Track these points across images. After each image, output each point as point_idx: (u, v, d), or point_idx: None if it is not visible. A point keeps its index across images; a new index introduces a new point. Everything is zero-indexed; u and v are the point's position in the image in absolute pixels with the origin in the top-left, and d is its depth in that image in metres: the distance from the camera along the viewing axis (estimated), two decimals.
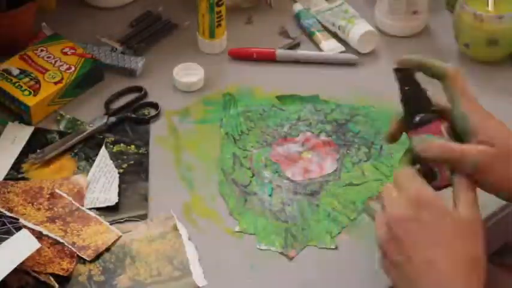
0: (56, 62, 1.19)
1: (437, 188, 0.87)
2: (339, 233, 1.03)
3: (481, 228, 0.83)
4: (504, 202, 1.01)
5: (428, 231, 0.82)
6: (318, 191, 1.07)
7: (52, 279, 0.96)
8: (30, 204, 1.04)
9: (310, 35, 1.30)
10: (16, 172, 1.09)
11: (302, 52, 1.27)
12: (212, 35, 1.25)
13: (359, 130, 1.15)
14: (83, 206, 1.05)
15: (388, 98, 1.19)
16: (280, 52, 1.26)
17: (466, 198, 0.84)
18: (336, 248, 1.01)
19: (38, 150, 1.11)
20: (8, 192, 1.05)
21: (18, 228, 0.98)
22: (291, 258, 1.00)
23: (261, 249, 1.01)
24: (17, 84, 1.16)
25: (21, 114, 1.16)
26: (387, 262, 0.84)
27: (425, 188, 0.84)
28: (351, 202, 1.06)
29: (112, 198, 1.06)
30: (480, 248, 0.82)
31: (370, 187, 1.08)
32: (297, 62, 1.26)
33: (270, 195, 1.07)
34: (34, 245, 0.95)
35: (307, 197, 1.07)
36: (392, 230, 0.83)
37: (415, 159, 0.90)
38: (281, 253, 1.00)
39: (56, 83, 1.17)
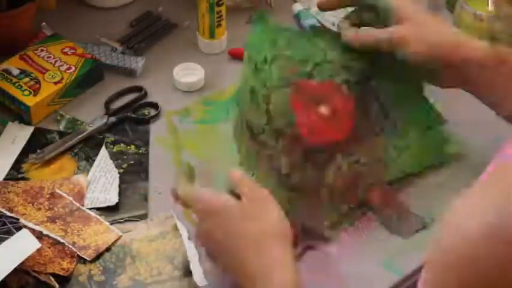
0: (56, 62, 1.19)
1: None
2: (340, 223, 1.02)
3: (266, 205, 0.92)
4: None
5: (224, 229, 0.91)
6: (326, 162, 1.01)
7: (52, 279, 0.96)
8: (31, 204, 1.04)
9: None
10: (16, 172, 1.09)
11: None
12: (212, 35, 1.25)
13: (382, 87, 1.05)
14: (83, 206, 1.05)
15: None
16: None
17: (245, 187, 0.93)
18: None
19: (38, 150, 1.11)
20: (9, 192, 1.05)
21: (19, 228, 0.98)
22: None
23: None
24: (17, 84, 1.16)
25: (21, 114, 1.16)
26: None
27: (205, 196, 0.93)
28: (353, 185, 1.02)
29: (112, 198, 1.06)
30: (268, 223, 0.90)
31: (375, 171, 1.04)
32: None
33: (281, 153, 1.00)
34: (34, 244, 0.95)
35: (314, 166, 1.01)
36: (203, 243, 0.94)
37: None
38: None
39: (56, 83, 1.17)
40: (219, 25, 1.25)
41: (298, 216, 1.00)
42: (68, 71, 1.18)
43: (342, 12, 1.30)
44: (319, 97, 1.02)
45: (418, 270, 0.99)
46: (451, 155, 1.10)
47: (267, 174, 1.03)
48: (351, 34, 1.04)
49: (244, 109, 1.05)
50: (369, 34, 1.04)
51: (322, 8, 1.11)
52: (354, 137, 1.02)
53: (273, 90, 1.02)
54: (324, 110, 1.01)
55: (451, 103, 1.12)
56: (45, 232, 1.00)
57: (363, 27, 1.05)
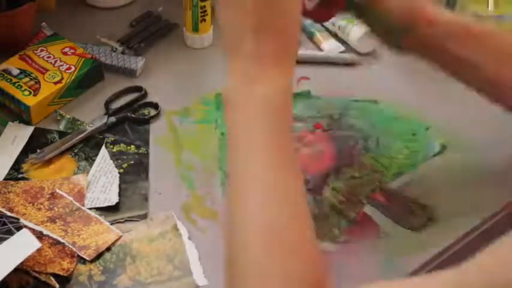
0: (56, 62, 1.19)
1: None
2: (347, 225, 1.03)
3: None
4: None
5: None
6: (321, 186, 1.07)
7: (52, 279, 0.96)
8: (31, 204, 1.04)
9: (310, 36, 1.30)
10: (16, 172, 1.09)
11: (300, 52, 1.27)
12: (196, 30, 1.26)
13: (354, 123, 1.15)
14: (83, 205, 1.05)
15: (388, 98, 1.19)
16: None
17: None
18: (345, 241, 1.01)
19: (38, 150, 1.11)
20: (9, 192, 1.05)
21: (19, 228, 0.98)
22: None
23: None
24: (17, 84, 1.16)
25: (21, 114, 1.16)
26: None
27: None
28: (354, 195, 1.06)
29: (112, 198, 1.06)
30: None
31: (371, 179, 1.08)
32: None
33: None
34: (34, 244, 0.95)
35: (311, 193, 1.06)
36: None
37: None
38: None
39: (56, 83, 1.17)
40: (203, 20, 1.25)
41: None
42: (68, 71, 1.18)
43: (341, 14, 1.30)
44: (298, 144, 1.12)
45: (418, 270, 0.99)
46: (441, 145, 1.13)
47: None
48: None
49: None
50: None
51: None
52: (340, 163, 1.10)
53: None
54: (305, 150, 1.11)
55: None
56: (45, 232, 1.00)
57: None
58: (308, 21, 1.31)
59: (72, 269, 0.98)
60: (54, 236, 1.00)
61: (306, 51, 1.27)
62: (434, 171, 1.10)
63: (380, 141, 1.13)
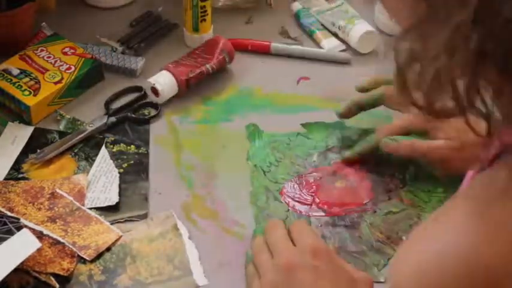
0: (56, 62, 1.19)
1: None
2: (386, 264, 0.99)
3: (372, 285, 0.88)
4: None
5: (326, 280, 0.85)
6: (358, 222, 1.03)
7: (53, 279, 0.96)
8: (31, 204, 1.04)
9: (310, 34, 1.30)
10: (16, 172, 1.09)
11: (296, 47, 1.28)
12: (196, 29, 1.26)
13: (391, 155, 1.08)
14: (83, 205, 1.05)
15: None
16: (274, 46, 1.27)
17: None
18: (385, 281, 0.97)
19: (38, 150, 1.11)
20: (9, 192, 1.05)
21: (19, 228, 0.98)
22: None
23: None
24: (17, 84, 1.16)
25: (21, 114, 1.16)
26: None
27: (321, 240, 0.90)
28: (393, 232, 1.02)
29: (112, 198, 1.06)
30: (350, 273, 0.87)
31: (409, 214, 1.04)
32: (296, 60, 1.26)
33: None
34: (35, 244, 0.95)
35: (348, 229, 1.03)
36: (285, 278, 0.86)
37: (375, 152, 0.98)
38: None
39: (56, 83, 1.17)
40: (203, 20, 1.25)
41: None
42: (68, 71, 1.18)
43: (342, 14, 1.30)
44: (333, 177, 1.10)
45: None
46: None
47: None
48: (392, 146, 1.05)
49: (263, 206, 1.06)
50: (409, 146, 1.05)
51: (344, 117, 1.14)
52: (376, 197, 1.07)
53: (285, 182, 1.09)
54: (339, 184, 1.09)
55: None
56: (45, 232, 1.00)
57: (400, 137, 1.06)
58: (308, 20, 1.31)
59: (72, 269, 0.98)
60: (55, 236, 1.00)
61: (306, 48, 1.27)
62: None
63: (418, 174, 1.09)
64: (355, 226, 1.03)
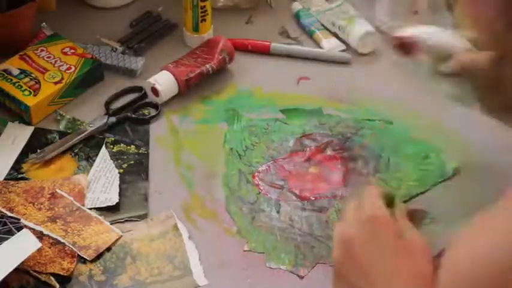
0: (56, 62, 1.19)
1: None
2: None
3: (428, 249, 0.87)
4: None
5: (383, 248, 0.84)
6: (327, 207, 1.05)
7: (53, 279, 0.96)
8: (31, 204, 1.04)
9: (310, 34, 1.30)
10: (16, 172, 1.09)
11: (296, 47, 1.28)
12: (196, 29, 1.26)
13: (366, 143, 1.12)
14: (83, 205, 1.05)
15: (388, 98, 1.19)
16: (274, 46, 1.27)
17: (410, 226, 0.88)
18: None
19: (38, 150, 1.12)
20: (9, 192, 1.05)
21: (19, 228, 0.98)
22: (301, 277, 0.98)
23: (271, 268, 0.99)
24: (17, 84, 1.16)
25: (21, 114, 1.16)
26: (344, 283, 0.85)
27: (382, 208, 0.87)
28: None
29: (112, 198, 1.06)
30: (430, 266, 0.85)
31: None
32: (296, 60, 1.26)
33: (277, 212, 1.05)
34: (35, 244, 0.95)
35: (316, 213, 1.05)
36: (349, 250, 0.85)
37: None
38: (291, 272, 0.98)
39: (56, 83, 1.17)
40: (203, 20, 1.25)
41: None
42: (68, 71, 1.18)
43: (342, 14, 1.30)
44: (307, 163, 1.11)
45: None
46: (454, 169, 1.10)
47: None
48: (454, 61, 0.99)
49: (235, 188, 1.08)
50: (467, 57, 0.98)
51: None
52: (348, 184, 1.08)
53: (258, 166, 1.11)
54: (313, 169, 1.10)
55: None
56: (45, 232, 1.00)
57: None
58: (308, 20, 1.31)
59: (72, 269, 0.98)
60: (55, 236, 1.00)
61: (306, 48, 1.28)
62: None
63: (391, 162, 1.10)
64: (323, 211, 1.05)
